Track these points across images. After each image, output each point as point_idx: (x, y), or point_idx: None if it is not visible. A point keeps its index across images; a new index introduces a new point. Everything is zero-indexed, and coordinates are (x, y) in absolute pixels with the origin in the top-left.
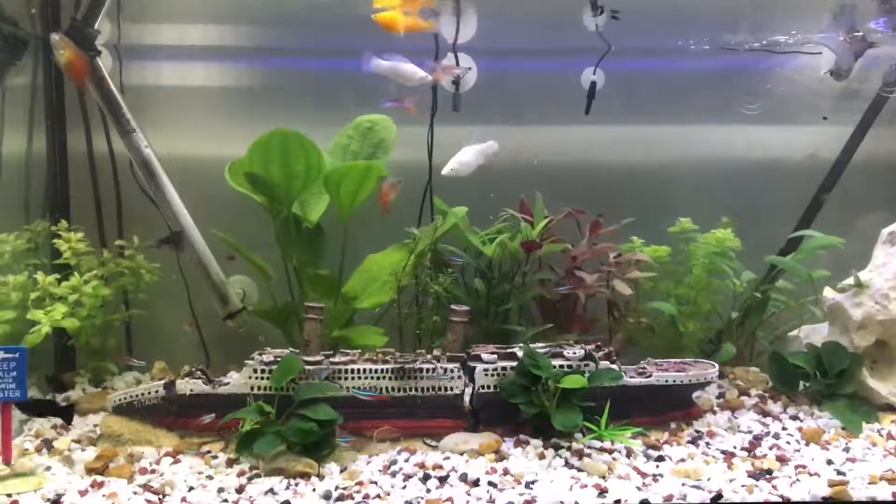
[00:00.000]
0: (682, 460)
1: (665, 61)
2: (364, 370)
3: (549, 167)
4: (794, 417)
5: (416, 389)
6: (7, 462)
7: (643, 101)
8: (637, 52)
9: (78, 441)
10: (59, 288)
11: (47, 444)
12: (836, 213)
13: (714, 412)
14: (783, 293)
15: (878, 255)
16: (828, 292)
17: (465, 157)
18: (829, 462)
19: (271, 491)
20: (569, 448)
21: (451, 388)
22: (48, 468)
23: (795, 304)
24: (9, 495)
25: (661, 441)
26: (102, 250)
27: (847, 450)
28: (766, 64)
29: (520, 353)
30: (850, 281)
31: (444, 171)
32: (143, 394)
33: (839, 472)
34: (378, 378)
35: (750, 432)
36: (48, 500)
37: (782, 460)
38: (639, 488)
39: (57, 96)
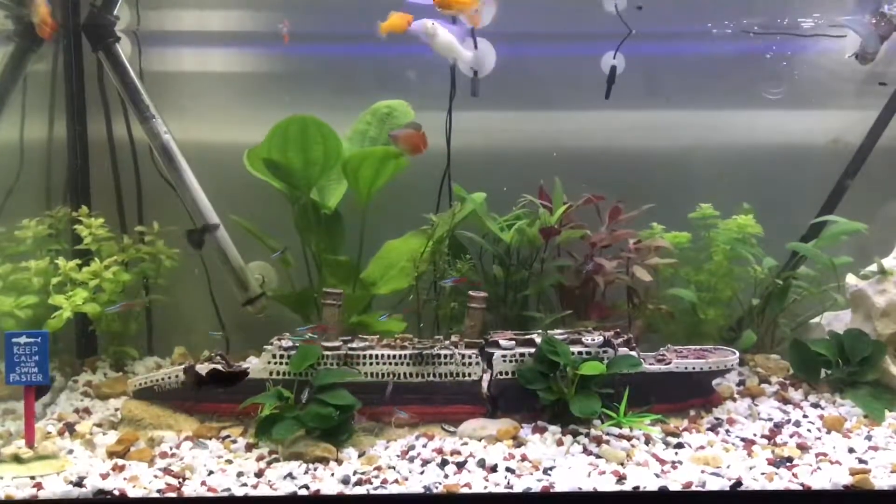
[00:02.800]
0: (702, 447)
1: (686, 45)
2: (382, 356)
3: (568, 152)
4: (816, 405)
5: (434, 375)
6: (30, 445)
7: (664, 86)
8: (658, 35)
9: (99, 425)
10: (80, 273)
11: (69, 428)
12: (860, 199)
13: (734, 399)
14: (805, 280)
15: None
16: (850, 279)
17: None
18: (851, 450)
19: (290, 475)
20: (587, 435)
21: (469, 375)
22: (70, 451)
23: (817, 291)
24: (32, 477)
25: (681, 428)
26: (123, 236)
27: (869, 438)
28: (789, 47)
29: (538, 340)
30: (874, 268)
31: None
32: (163, 378)
33: (861, 461)
34: (396, 364)
35: (770, 420)
36: (71, 482)
37: (803, 448)
38: (657, 475)
39: (77, 83)
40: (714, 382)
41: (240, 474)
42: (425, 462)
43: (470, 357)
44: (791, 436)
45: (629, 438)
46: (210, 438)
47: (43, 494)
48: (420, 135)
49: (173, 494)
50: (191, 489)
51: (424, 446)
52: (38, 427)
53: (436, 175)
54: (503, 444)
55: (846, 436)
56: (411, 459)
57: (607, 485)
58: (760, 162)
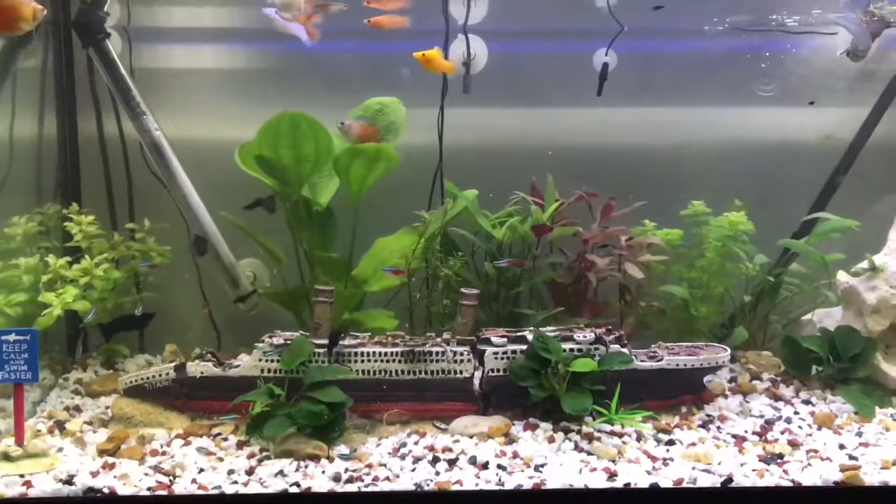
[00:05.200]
0: (693, 444)
1: (678, 42)
2: (374, 353)
3: (560, 149)
4: (807, 402)
5: (426, 373)
6: (20, 443)
7: (656, 83)
8: (650, 32)
9: (90, 423)
10: (71, 271)
11: (59, 426)
12: (852, 196)
13: (726, 396)
14: (797, 277)
15: (894, 237)
16: (842, 276)
17: None
18: (842, 447)
19: (281, 473)
20: (578, 432)
21: (461, 372)
22: (60, 449)
23: (809, 288)
24: (21, 476)
25: (672, 425)
26: (113, 233)
27: (860, 434)
28: (781, 45)
29: (530, 337)
30: (865, 264)
31: None
32: (153, 376)
33: (851, 457)
34: (388, 361)
35: (762, 416)
36: (60, 480)
37: (794, 445)
38: (649, 472)
39: (67, 79)
40: (705, 379)
41: (231, 472)
42: (417, 459)
43: (462, 354)
44: (782, 432)
45: (621, 435)
46: (201, 436)
47: (32, 493)
48: (372, 129)
49: (164, 492)
50: (181, 487)
51: (416, 443)
52: (28, 425)
53: (428, 172)
54: (495, 442)
55: (837, 432)
56: (403, 457)
57: (598, 482)
58: (752, 159)
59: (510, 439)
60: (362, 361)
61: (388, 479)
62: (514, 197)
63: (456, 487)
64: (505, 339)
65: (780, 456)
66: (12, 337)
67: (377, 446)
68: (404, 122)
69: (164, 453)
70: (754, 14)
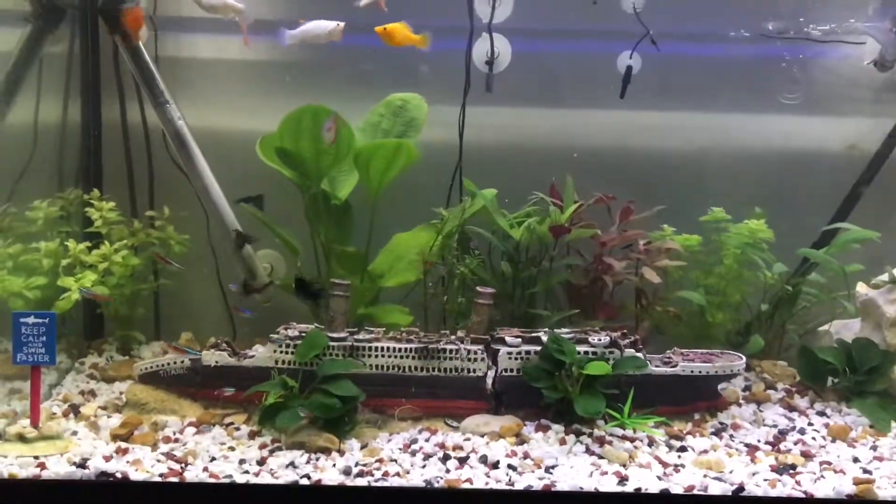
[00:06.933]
0: (705, 451)
1: (703, 47)
2: (387, 348)
3: (581, 151)
4: (821, 413)
5: (439, 370)
6: (35, 425)
7: (680, 87)
8: (675, 36)
9: (104, 407)
10: (90, 256)
11: (74, 410)
12: (875, 207)
13: (739, 404)
14: (815, 287)
15: None
16: (861, 287)
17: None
18: (856, 460)
19: (292, 464)
20: (590, 434)
21: (474, 370)
22: (74, 433)
23: (827, 299)
24: (35, 457)
25: (685, 431)
26: (133, 220)
27: (874, 448)
28: (807, 52)
29: (544, 338)
30: (885, 277)
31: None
32: (168, 363)
33: (865, 471)
34: (401, 357)
35: (775, 426)
36: (74, 463)
37: (807, 456)
38: (660, 478)
39: (93, 66)
40: (720, 387)
41: (242, 461)
42: (427, 456)
43: (475, 353)
44: (795, 443)
45: (632, 440)
46: (214, 425)
47: (46, 475)
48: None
49: (175, 479)
50: (193, 475)
51: (427, 440)
52: (44, 407)
53: (447, 170)
54: (506, 441)
55: (851, 445)
56: (413, 453)
57: (609, 485)
58: (775, 166)
59: (521, 439)
60: (376, 356)
61: (398, 474)
62: (532, 197)
63: (466, 486)
64: (519, 340)
65: (793, 467)
66: (31, 319)
67: (388, 442)
68: (425, 119)
69: (176, 440)
70: (781, 21)
